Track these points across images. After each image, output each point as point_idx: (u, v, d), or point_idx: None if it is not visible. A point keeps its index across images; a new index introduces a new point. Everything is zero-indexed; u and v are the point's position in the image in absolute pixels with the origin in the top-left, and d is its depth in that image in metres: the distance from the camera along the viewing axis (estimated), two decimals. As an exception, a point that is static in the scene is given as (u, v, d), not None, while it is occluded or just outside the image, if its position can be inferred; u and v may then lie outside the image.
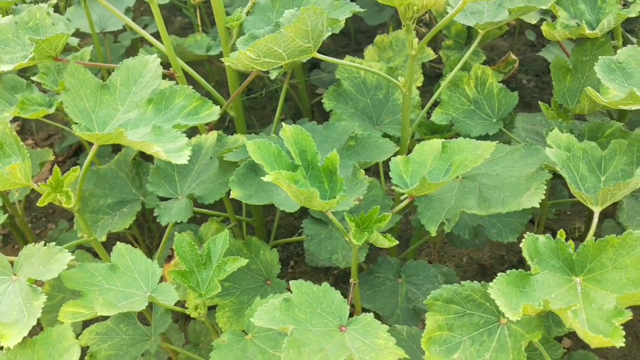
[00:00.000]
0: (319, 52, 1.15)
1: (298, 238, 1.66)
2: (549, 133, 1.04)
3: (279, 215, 1.88)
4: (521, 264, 2.07)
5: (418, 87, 1.78)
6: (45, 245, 1.05)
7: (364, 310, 1.41)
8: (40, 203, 1.09)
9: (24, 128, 2.67)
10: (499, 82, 2.17)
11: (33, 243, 1.08)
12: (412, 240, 1.71)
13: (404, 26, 1.15)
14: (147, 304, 1.00)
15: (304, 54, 1.12)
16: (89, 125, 1.13)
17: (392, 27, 2.69)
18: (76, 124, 1.11)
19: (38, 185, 1.11)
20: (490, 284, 0.85)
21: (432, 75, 2.55)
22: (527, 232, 0.90)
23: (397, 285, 1.44)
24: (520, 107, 1.66)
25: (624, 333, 0.76)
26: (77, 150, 2.44)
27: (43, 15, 1.24)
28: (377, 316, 1.61)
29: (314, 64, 2.47)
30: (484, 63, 2.52)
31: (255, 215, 1.71)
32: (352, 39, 2.81)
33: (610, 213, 1.55)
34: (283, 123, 1.07)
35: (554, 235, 2.10)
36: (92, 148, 1.12)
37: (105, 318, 1.29)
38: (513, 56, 2.12)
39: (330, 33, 1.21)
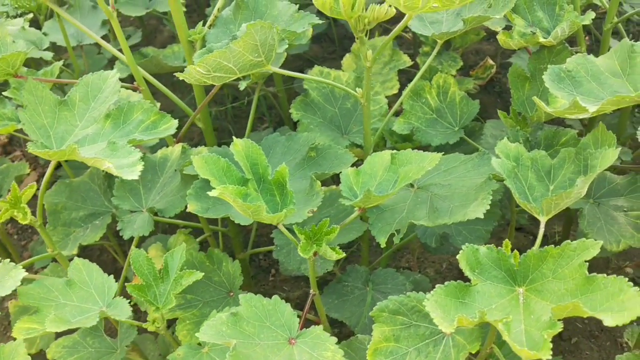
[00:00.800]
0: (296, 63, 1.16)
1: (269, 248, 1.66)
2: (498, 143, 1.04)
3: (257, 225, 1.89)
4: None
5: (394, 95, 1.78)
6: (0, 262, 1.06)
7: (332, 319, 1.42)
8: (-2, 219, 1.10)
9: (12, 140, 2.70)
10: (478, 85, 2.18)
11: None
12: (385, 248, 1.71)
13: (357, 39, 1.15)
14: (97, 319, 1.01)
15: (257, 67, 1.13)
16: (47, 142, 1.15)
17: (378, 33, 2.70)
18: (32, 141, 1.12)
19: (-4, 202, 1.12)
20: (427, 295, 0.86)
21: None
22: (466, 244, 0.90)
23: (366, 294, 1.44)
24: (504, 110, 1.65)
25: (551, 345, 0.76)
26: (60, 162, 2.46)
27: (4, 33, 1.25)
28: (345, 326, 1.62)
29: (299, 72, 2.48)
30: (466, 68, 2.53)
31: (230, 225, 1.72)
32: (337, 45, 2.82)
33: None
34: (234, 137, 1.08)
35: (534, 239, 2.09)
36: (50, 165, 1.14)
37: (71, 331, 1.31)
38: (490, 61, 2.13)
39: (286, 46, 1.22)
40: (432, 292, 0.86)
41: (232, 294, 1.30)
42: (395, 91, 1.77)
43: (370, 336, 1.23)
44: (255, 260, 2.14)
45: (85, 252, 2.08)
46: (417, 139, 1.34)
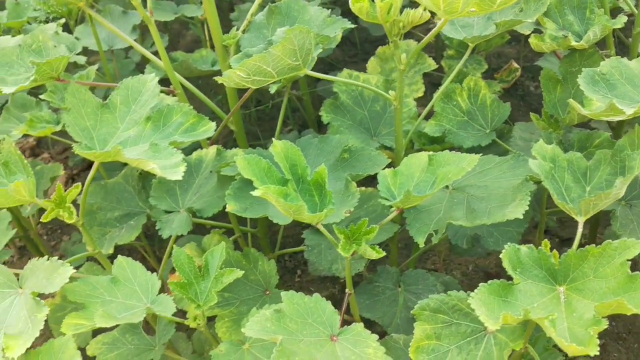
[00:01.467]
0: (319, 67, 1.18)
1: (300, 248, 1.68)
2: (534, 145, 1.06)
3: (285, 226, 1.91)
4: (526, 271, 2.07)
5: (419, 98, 1.80)
6: (48, 259, 1.09)
7: (363, 319, 1.43)
8: (44, 219, 1.13)
9: (41, 142, 2.75)
10: (502, 89, 2.19)
11: (37, 257, 1.13)
12: (413, 249, 1.73)
13: (391, 42, 1.18)
14: (145, 315, 1.04)
15: (294, 71, 1.16)
16: (90, 143, 1.18)
17: (400, 37, 2.72)
18: (77, 142, 1.15)
19: (41, 202, 1.15)
20: (472, 294, 0.88)
21: (439, 84, 2.57)
22: (508, 244, 0.92)
23: (397, 295, 1.46)
24: (526, 114, 1.66)
25: (598, 342, 0.78)
26: (91, 164, 2.50)
27: (45, 37, 1.29)
28: (376, 325, 1.63)
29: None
30: (489, 71, 2.54)
31: (259, 226, 1.75)
32: (359, 49, 2.85)
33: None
34: (273, 139, 1.11)
35: (562, 242, 2.10)
36: (93, 165, 1.17)
37: (110, 328, 1.34)
38: (515, 64, 2.13)
39: (320, 50, 1.25)
40: (476, 290, 0.88)
41: (268, 292, 1.32)
42: (421, 94, 1.79)
43: (404, 335, 1.26)
44: (280, 261, 2.16)
45: (115, 251, 2.12)
46: (448, 141, 1.36)
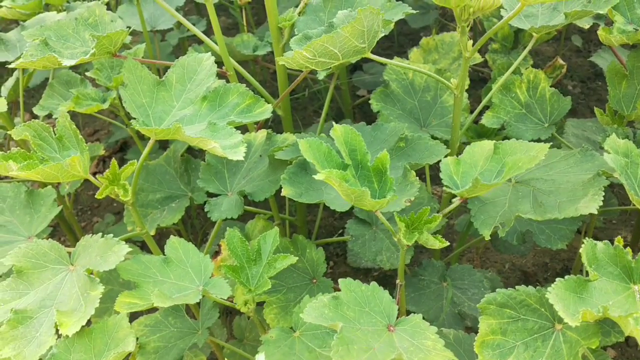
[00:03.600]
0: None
1: (340, 238, 1.66)
2: (606, 139, 1.02)
3: (320, 216, 1.89)
4: (565, 272, 2.03)
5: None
6: (102, 237, 1.08)
7: (409, 312, 1.41)
8: (99, 195, 1.11)
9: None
10: (545, 87, 2.14)
11: (90, 234, 1.11)
12: (456, 245, 1.70)
13: (458, 27, 1.14)
14: (201, 297, 1.02)
15: (358, 54, 1.13)
16: (146, 120, 1.16)
17: (436, 30, 2.68)
18: (134, 118, 1.13)
19: (96, 178, 1.13)
20: (549, 288, 0.85)
21: (476, 79, 2.53)
22: (586, 239, 0.89)
23: (442, 289, 1.43)
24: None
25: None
26: (123, 146, 2.49)
27: (102, 12, 1.27)
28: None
29: (355, 66, 2.48)
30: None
31: (298, 215, 1.72)
32: (394, 41, 2.81)
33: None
34: (333, 122, 1.08)
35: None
36: (149, 143, 1.15)
37: (154, 310, 1.32)
38: (561, 61, 2.09)
39: (384, 34, 1.22)
40: (552, 285, 0.85)
41: (314, 280, 1.29)
42: (466, 87, 1.75)
43: (454, 330, 1.23)
44: (313, 251, 2.13)
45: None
46: (507, 133, 1.33)
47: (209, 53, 1.24)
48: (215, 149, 1.04)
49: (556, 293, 0.84)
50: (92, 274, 1.05)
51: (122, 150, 2.48)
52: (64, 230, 2.04)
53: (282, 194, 1.18)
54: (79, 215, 2.35)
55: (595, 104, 2.50)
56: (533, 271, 1.96)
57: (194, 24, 2.41)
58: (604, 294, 0.88)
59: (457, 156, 1.09)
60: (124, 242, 1.05)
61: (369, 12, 1.03)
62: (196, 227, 2.10)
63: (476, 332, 0.97)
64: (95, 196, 1.12)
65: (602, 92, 2.53)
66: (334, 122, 1.07)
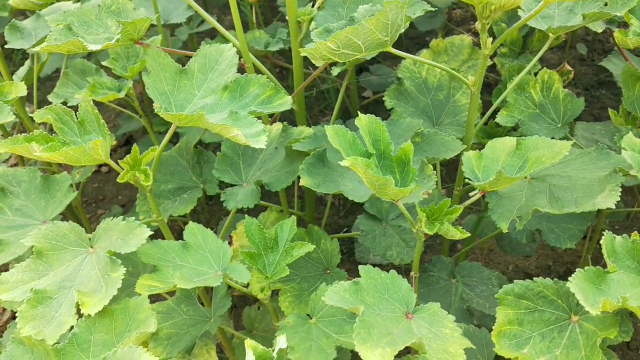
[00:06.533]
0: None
1: (349, 234, 1.67)
2: (623, 137, 1.05)
3: (327, 213, 1.91)
4: (568, 275, 2.05)
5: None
6: (124, 219, 1.08)
7: (418, 306, 1.42)
8: (120, 179, 1.12)
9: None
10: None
11: (111, 217, 1.12)
12: (463, 245, 1.72)
13: (478, 24, 1.16)
14: (221, 281, 1.03)
15: (380, 47, 1.14)
16: (168, 107, 1.17)
17: (442, 34, 2.71)
18: (158, 105, 1.14)
19: (117, 164, 1.14)
20: (569, 278, 0.86)
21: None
22: (606, 231, 0.91)
23: (451, 285, 1.45)
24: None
25: None
26: (129, 139, 2.49)
27: (125, 0, 1.28)
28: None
29: (361, 68, 2.50)
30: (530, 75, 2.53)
31: (307, 210, 1.74)
32: (402, 44, 2.84)
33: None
34: (358, 112, 1.10)
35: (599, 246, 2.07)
36: (170, 129, 1.16)
37: (163, 299, 1.33)
38: (568, 67, 2.12)
39: (405, 29, 1.24)
40: (573, 275, 0.87)
41: (329, 271, 1.31)
42: (474, 89, 1.78)
43: (464, 324, 1.24)
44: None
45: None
46: (521, 131, 1.35)
47: (230, 44, 1.26)
48: (238, 136, 1.05)
49: (576, 283, 0.86)
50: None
51: (128, 143, 2.49)
52: (72, 220, 2.04)
53: (300, 184, 1.19)
54: (84, 207, 2.35)
55: (598, 112, 2.53)
56: (536, 273, 1.98)
57: (203, 20, 2.43)
58: (622, 286, 0.90)
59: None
60: (145, 226, 1.06)
61: (394, 5, 1.05)
62: (202, 221, 2.11)
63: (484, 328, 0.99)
64: (117, 179, 1.13)
65: (606, 100, 2.56)
66: (359, 112, 1.09)
